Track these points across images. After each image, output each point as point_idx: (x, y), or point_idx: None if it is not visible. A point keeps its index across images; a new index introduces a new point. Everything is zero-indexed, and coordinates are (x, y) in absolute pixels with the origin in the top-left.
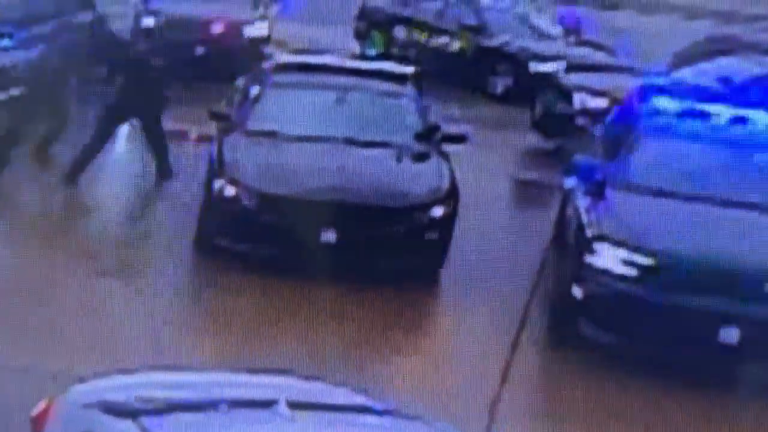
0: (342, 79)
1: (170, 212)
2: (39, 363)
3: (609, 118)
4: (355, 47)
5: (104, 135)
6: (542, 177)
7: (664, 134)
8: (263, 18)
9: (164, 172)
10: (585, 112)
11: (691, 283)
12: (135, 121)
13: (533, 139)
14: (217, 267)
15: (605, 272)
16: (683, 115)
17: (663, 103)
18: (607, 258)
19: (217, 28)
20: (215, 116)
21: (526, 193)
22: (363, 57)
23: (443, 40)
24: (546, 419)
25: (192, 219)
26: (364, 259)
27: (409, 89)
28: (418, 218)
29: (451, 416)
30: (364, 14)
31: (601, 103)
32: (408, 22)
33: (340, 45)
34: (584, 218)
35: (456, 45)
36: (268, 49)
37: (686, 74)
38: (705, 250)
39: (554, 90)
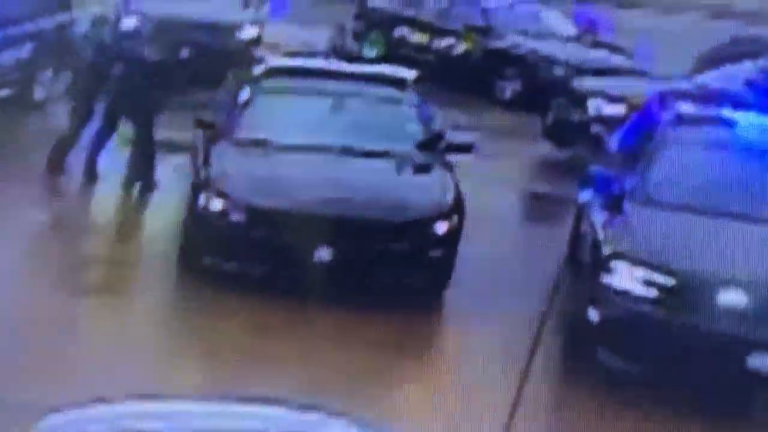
0: (338, 84)
1: (154, 227)
2: (9, 392)
3: (627, 126)
4: (353, 49)
5: (77, 129)
6: (555, 190)
7: (687, 143)
8: (254, 19)
9: (149, 184)
10: (601, 119)
11: (716, 306)
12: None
13: (545, 149)
14: (203, 287)
15: (624, 293)
16: (707, 122)
17: (685, 109)
18: (626, 278)
19: (205, 30)
20: (202, 124)
21: (538, 207)
22: (361, 60)
23: (447, 41)
24: None
25: (176, 235)
26: (361, 278)
27: (410, 95)
28: (420, 234)
29: None
30: (362, 14)
31: (618, 109)
32: (409, 22)
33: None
34: (600, 235)
35: (461, 47)
36: (259, 52)
37: (710, 78)
38: (732, 269)
39: (567, 96)
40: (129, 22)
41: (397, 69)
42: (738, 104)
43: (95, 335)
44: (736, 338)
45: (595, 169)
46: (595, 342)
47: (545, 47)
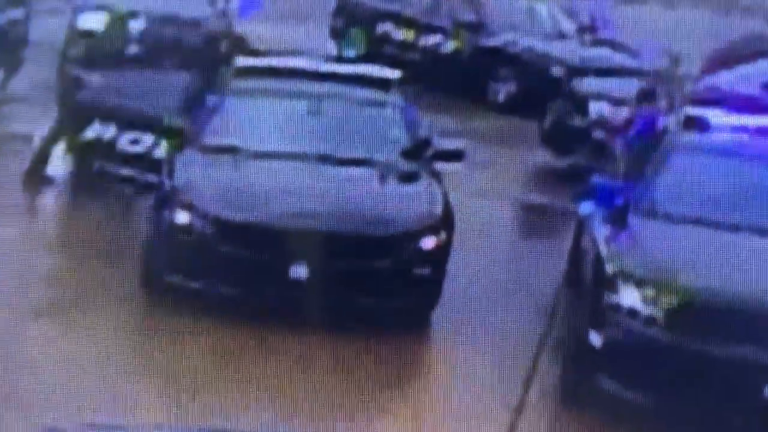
0: (315, 86)
1: (115, 242)
2: None
3: (631, 131)
4: (331, 48)
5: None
6: (553, 201)
7: (697, 151)
8: (221, 14)
9: None
10: (603, 124)
11: (731, 329)
12: None
13: (542, 156)
14: (167, 308)
15: (628, 315)
16: (719, 127)
17: (695, 113)
18: (631, 298)
19: (172, 26)
20: (166, 130)
21: (534, 221)
22: (340, 59)
23: (435, 39)
24: None
25: (138, 250)
26: (340, 298)
27: (394, 97)
28: (405, 250)
29: None
30: (341, 9)
31: (621, 113)
32: (393, 18)
33: (313, 45)
34: (603, 251)
35: (450, 45)
36: (227, 50)
37: (722, 80)
38: (748, 288)
39: (567, 98)
40: (87, 18)
41: (380, 69)
42: (753, 108)
43: (46, 358)
44: (753, 365)
45: (597, 178)
46: (596, 368)
47: (542, 45)
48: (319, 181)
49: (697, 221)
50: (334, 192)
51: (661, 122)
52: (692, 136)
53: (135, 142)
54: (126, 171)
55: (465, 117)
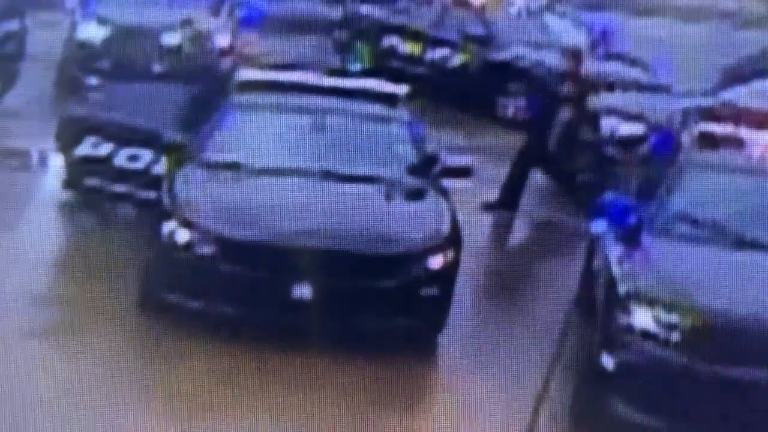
0: (319, 100)
1: (112, 260)
2: None
3: (644, 147)
4: (335, 61)
5: None
6: (564, 219)
7: (712, 168)
8: (225, 26)
9: None
10: (615, 140)
11: (747, 350)
12: None
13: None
14: (166, 329)
15: (642, 337)
16: (734, 144)
17: (710, 129)
18: (645, 319)
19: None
20: (167, 147)
21: (544, 239)
22: (345, 73)
23: (442, 52)
24: None
25: (135, 269)
26: (344, 319)
27: (400, 112)
28: (412, 270)
29: None
30: (346, 22)
31: (634, 129)
32: (400, 31)
33: (316, 58)
34: (616, 270)
35: (458, 59)
36: (228, 62)
37: (738, 95)
38: (764, 309)
39: (578, 113)
40: (88, 30)
41: (386, 83)
42: None
43: (43, 381)
44: None
45: (609, 195)
46: (608, 391)
47: (553, 59)
48: (323, 198)
49: (712, 240)
50: (339, 209)
51: (675, 138)
52: (707, 153)
53: (133, 158)
54: (121, 188)
55: (473, 132)
